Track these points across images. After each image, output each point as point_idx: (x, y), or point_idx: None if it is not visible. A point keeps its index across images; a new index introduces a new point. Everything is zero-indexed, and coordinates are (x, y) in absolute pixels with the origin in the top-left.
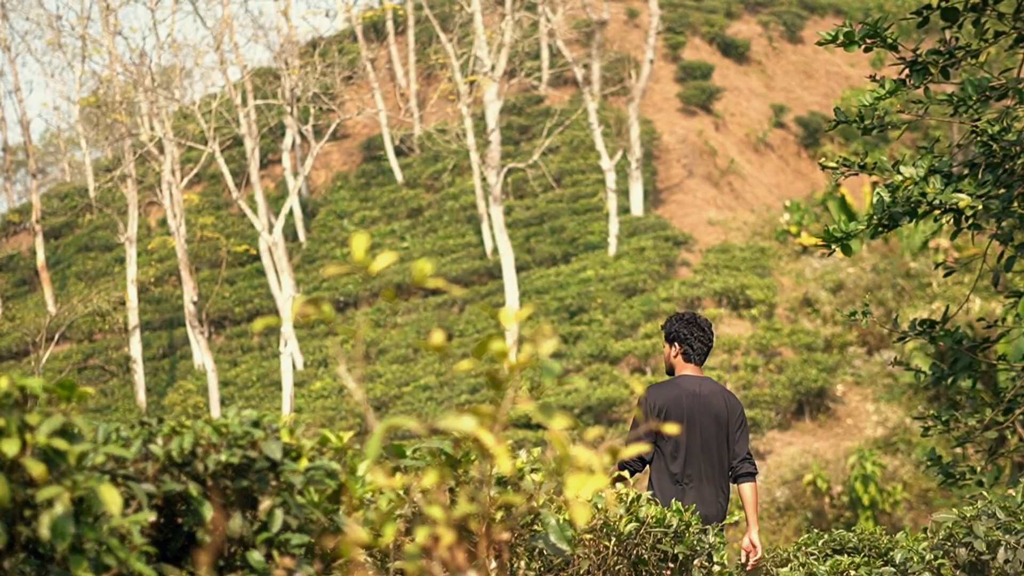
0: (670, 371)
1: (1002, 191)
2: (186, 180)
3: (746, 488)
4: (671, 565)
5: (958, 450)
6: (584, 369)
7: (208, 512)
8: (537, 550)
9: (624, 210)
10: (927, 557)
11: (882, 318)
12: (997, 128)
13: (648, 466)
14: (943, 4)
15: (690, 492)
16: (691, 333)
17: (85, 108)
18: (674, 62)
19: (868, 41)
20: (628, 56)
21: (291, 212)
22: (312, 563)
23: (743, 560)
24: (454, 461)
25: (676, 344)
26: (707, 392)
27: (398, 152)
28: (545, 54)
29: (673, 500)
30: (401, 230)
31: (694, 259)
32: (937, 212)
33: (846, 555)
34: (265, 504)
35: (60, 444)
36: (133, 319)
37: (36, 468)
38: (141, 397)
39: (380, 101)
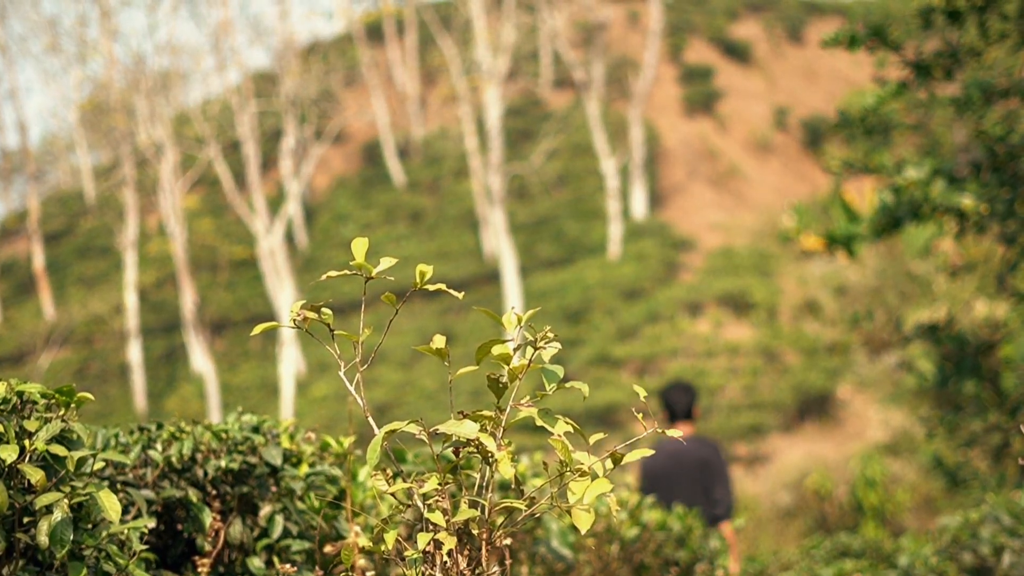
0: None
1: (1006, 193)
2: (187, 184)
3: (722, 529)
4: (674, 570)
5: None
6: (586, 373)
7: (208, 518)
8: (539, 555)
9: (626, 213)
10: (932, 561)
11: (885, 321)
12: (1001, 130)
13: None
14: (948, 7)
15: None
16: (670, 396)
17: (84, 112)
18: (676, 64)
19: (871, 42)
20: (629, 58)
21: (291, 216)
22: (313, 569)
23: None
24: (455, 466)
25: (664, 409)
26: (683, 450)
27: (398, 155)
28: (546, 57)
29: None
30: (401, 234)
31: (696, 262)
32: (940, 215)
33: (850, 559)
34: (265, 510)
35: (59, 450)
36: (132, 324)
37: (35, 474)
38: (140, 402)
39: (380, 104)
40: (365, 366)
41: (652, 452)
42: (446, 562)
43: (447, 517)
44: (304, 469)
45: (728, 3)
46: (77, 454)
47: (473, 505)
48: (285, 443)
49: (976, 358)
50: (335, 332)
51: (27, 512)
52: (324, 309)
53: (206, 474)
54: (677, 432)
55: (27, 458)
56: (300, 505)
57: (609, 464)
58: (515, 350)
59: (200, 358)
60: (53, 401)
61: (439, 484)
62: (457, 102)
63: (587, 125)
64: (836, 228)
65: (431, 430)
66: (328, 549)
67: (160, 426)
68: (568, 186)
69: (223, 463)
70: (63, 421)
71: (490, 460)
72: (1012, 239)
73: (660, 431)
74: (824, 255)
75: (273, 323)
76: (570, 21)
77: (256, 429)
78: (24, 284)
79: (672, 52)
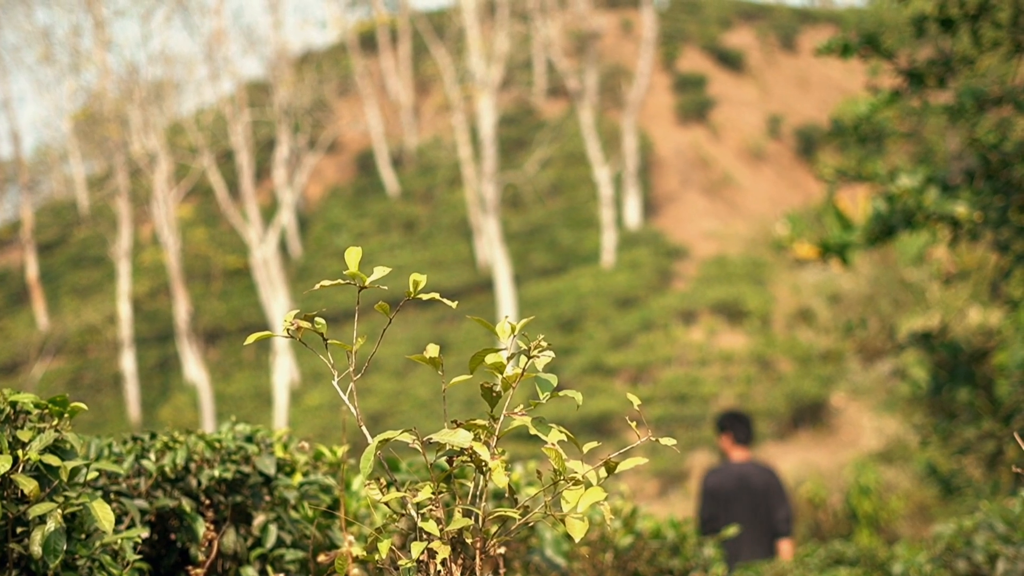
0: (723, 453)
1: (999, 200)
2: (180, 194)
3: (782, 544)
4: None
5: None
6: (580, 382)
7: (201, 528)
8: (534, 564)
9: (619, 222)
10: (926, 569)
11: (879, 329)
12: (994, 137)
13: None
14: (941, 16)
15: (744, 548)
16: (736, 422)
17: (78, 122)
18: (669, 72)
19: (864, 50)
20: (622, 67)
21: (285, 226)
22: None
23: None
24: (449, 475)
25: (727, 432)
26: (748, 473)
27: (392, 164)
28: (540, 66)
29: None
30: (395, 243)
31: (690, 270)
32: (934, 222)
33: (844, 567)
34: (259, 519)
35: (52, 460)
36: (125, 334)
37: (28, 484)
38: (134, 412)
39: (374, 113)
40: (359, 375)
41: (716, 471)
42: (440, 571)
43: (441, 526)
44: (298, 478)
45: (721, 12)
46: (70, 464)
47: (467, 514)
48: (279, 452)
49: (970, 366)
50: (328, 341)
51: (20, 522)
52: (317, 318)
53: (200, 484)
54: (670, 440)
55: (20, 468)
56: (294, 514)
57: (603, 473)
58: (509, 359)
59: (193, 368)
60: (46, 411)
61: (433, 493)
62: (451, 111)
63: (580, 134)
64: (830, 236)
65: (425, 439)
66: (322, 558)
67: (154, 436)
68: (562, 195)
69: (217, 473)
70: (56, 431)
71: (484, 469)
72: (1006, 247)
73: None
74: (818, 263)
75: (267, 332)
76: (563, 30)
77: (250, 439)
78: (17, 294)
79: (665, 61)
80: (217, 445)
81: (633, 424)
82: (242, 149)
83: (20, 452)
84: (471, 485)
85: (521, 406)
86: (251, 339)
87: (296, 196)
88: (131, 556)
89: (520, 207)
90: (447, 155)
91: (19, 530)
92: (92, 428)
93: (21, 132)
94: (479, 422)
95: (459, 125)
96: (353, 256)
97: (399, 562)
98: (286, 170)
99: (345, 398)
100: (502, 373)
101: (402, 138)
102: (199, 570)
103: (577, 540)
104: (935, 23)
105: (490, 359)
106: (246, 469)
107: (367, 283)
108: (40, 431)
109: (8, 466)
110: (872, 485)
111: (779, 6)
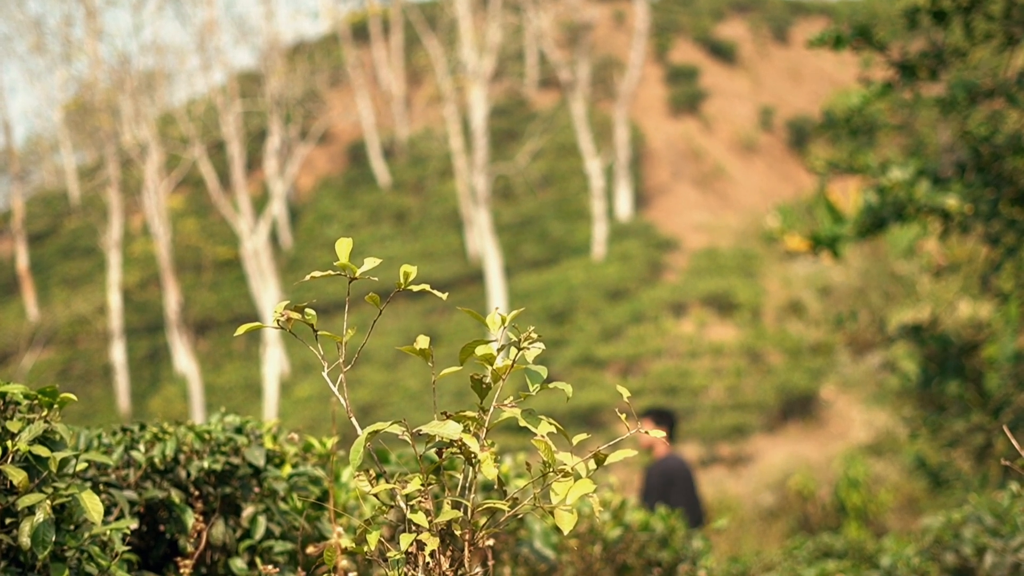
0: (647, 447)
1: (990, 193)
2: (171, 184)
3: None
4: (656, 571)
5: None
6: (570, 374)
7: (190, 519)
8: (522, 556)
9: (610, 213)
10: (914, 562)
11: (869, 322)
12: (986, 130)
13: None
14: (933, 8)
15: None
16: (673, 421)
17: (69, 112)
18: (661, 64)
19: (857, 42)
20: (615, 58)
21: (276, 216)
22: (295, 570)
23: None
24: (438, 467)
25: (662, 428)
26: (684, 462)
27: (383, 155)
28: (532, 57)
29: None
30: (386, 234)
31: (680, 262)
32: (925, 215)
33: (833, 559)
34: (248, 511)
35: (41, 451)
36: (116, 324)
37: (17, 475)
38: (123, 403)
39: (365, 104)
40: (349, 367)
41: (660, 462)
42: (428, 563)
43: (430, 518)
44: (287, 470)
45: (713, 3)
46: (60, 455)
47: (456, 506)
48: (268, 444)
49: (959, 358)
50: (319, 333)
51: (9, 513)
52: (308, 310)
53: (189, 475)
54: (660, 433)
55: (9, 459)
56: (283, 506)
57: (592, 465)
58: (499, 351)
59: (184, 359)
60: (36, 402)
61: (422, 485)
62: (442, 102)
63: (572, 125)
64: (821, 229)
65: (414, 431)
66: (311, 550)
67: (143, 427)
68: (553, 186)
69: (206, 464)
70: (46, 422)
71: (473, 461)
72: (996, 239)
73: (644, 437)
74: (808, 255)
75: (257, 324)
76: (556, 21)
77: (239, 430)
78: (7, 284)
79: (657, 52)
80: (206, 436)
81: (623, 416)
82: (233, 140)
83: (9, 443)
84: (460, 477)
85: (511, 398)
86: (241, 330)
87: (287, 187)
88: (120, 547)
89: (511, 199)
90: (438, 146)
91: (8, 521)
92: (82, 419)
93: (12, 122)
94: (469, 414)
95: (450, 116)
96: (344, 247)
97: (388, 554)
98: (277, 161)
99: (335, 389)
100: (492, 365)
101: (393, 129)
102: (188, 561)
103: (566, 532)
104: (927, 15)
105: (480, 351)
106: (235, 460)
107: (357, 274)
108: (29, 422)
109: None
110: (861, 478)
111: None
